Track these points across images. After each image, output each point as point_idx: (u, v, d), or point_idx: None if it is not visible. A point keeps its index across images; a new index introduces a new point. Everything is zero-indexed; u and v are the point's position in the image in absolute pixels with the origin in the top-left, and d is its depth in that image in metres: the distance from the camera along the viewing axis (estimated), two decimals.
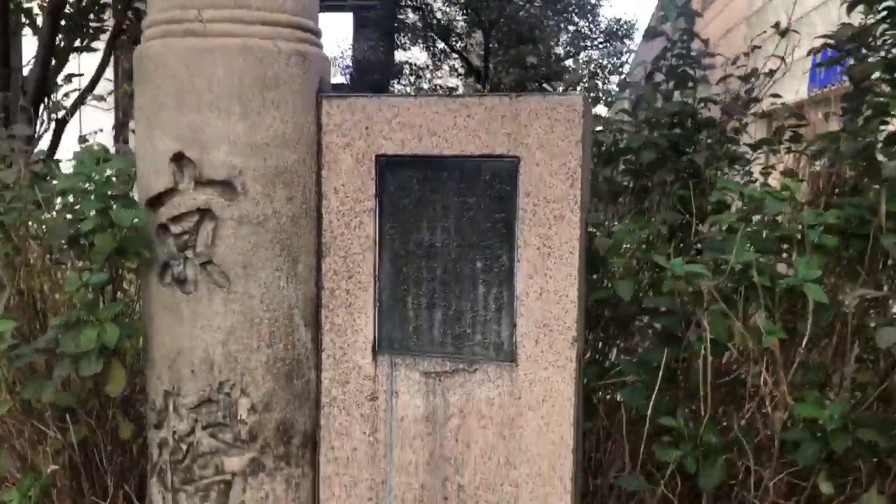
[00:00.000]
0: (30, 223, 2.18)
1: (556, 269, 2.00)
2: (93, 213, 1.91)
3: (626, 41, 18.18)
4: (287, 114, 1.98)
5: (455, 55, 20.12)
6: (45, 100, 4.22)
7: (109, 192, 1.88)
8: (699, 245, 2.34)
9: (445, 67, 20.60)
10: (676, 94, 2.62)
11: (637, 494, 2.29)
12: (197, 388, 2.00)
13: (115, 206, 1.87)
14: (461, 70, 20.05)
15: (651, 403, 2.09)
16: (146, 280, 2.05)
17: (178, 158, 1.95)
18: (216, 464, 2.02)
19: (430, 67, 20.30)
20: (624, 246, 2.36)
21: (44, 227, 2.17)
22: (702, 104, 2.46)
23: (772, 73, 2.42)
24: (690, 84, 2.44)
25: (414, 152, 2.05)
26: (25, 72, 4.82)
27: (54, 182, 1.99)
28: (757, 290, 1.82)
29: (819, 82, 7.33)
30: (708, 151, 2.27)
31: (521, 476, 2.06)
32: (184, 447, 2.03)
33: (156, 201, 2.00)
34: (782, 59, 2.57)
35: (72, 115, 4.44)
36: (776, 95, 2.48)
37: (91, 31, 4.61)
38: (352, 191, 2.10)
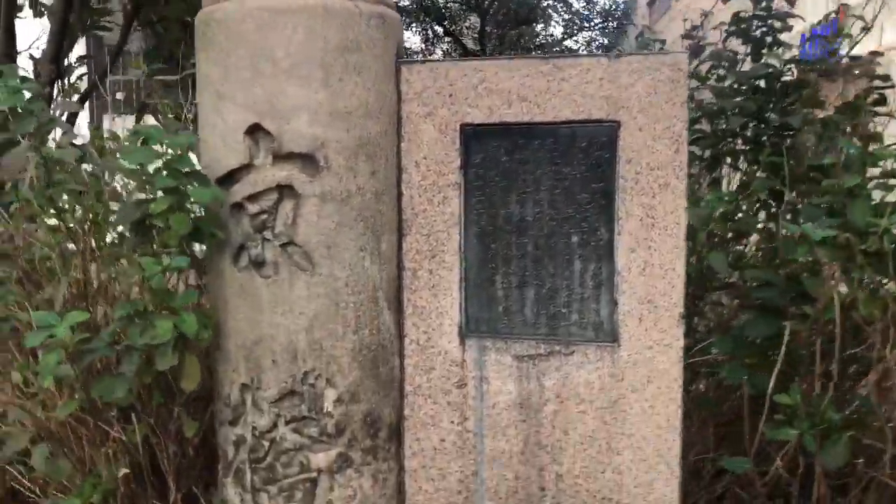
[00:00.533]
0: (82, 207, 2.01)
1: (660, 241, 1.87)
2: (160, 193, 1.76)
3: (625, 21, 18.00)
4: (369, 80, 1.83)
5: (449, 38, 19.91)
6: (59, 82, 4.03)
7: (184, 169, 1.72)
8: (791, 212, 2.21)
9: (439, 51, 20.40)
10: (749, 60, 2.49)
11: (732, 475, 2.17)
12: (279, 380, 1.86)
13: (191, 184, 1.72)
14: (455, 54, 19.83)
15: (751, 380, 1.98)
16: (217, 265, 1.90)
17: (254, 131, 1.80)
18: (301, 461, 1.88)
19: (424, 51, 20.08)
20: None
21: (98, 211, 2.01)
22: (787, 66, 2.33)
23: (866, 28, 2.29)
24: (775, 46, 2.30)
25: (503, 120, 1.91)
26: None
27: (118, 159, 1.82)
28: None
29: None
30: (801, 115, 2.14)
31: (625, 462, 1.94)
32: (265, 444, 1.89)
33: (227, 179, 1.84)
34: (861, 18, 2.44)
35: (87, 97, 4.26)
36: (876, 54, 2.34)
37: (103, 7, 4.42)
38: (434, 164, 1.95)
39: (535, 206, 1.92)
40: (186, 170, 1.72)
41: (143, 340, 1.73)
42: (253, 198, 1.82)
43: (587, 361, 1.93)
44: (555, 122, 1.89)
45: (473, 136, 1.93)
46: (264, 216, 1.82)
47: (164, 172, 1.71)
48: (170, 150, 1.74)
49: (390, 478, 2.00)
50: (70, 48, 4.46)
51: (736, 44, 2.59)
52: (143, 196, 1.79)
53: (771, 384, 1.88)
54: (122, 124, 4.91)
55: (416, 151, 1.96)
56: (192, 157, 1.79)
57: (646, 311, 1.89)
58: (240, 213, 1.84)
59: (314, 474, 1.89)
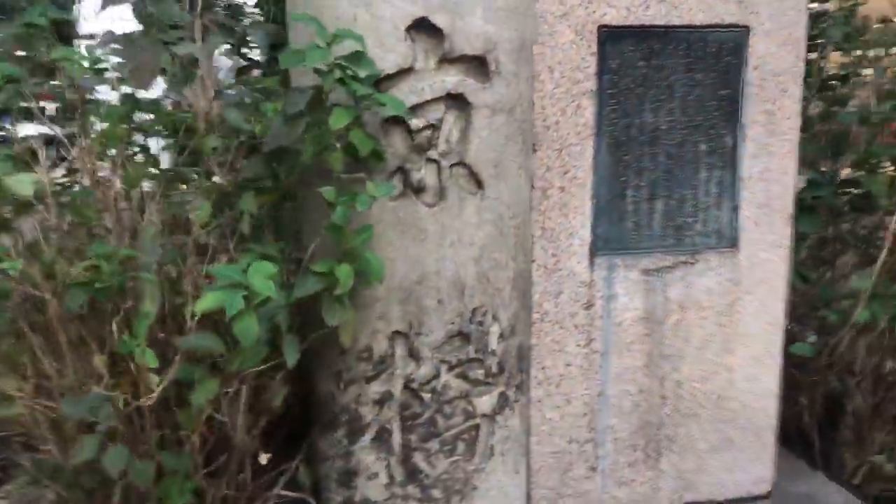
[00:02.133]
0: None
1: (778, 147, 1.93)
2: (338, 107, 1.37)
3: None
4: None
5: None
6: None
7: (360, 73, 1.35)
8: None
9: None
10: None
11: None
12: (444, 321, 1.61)
13: (373, 93, 1.35)
14: None
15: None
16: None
17: (418, 27, 1.48)
18: (465, 408, 1.68)
19: None
20: None
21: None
22: None
23: None
24: None
25: (641, 22, 1.79)
26: None
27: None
28: None
29: None
30: None
31: (737, 361, 2.03)
32: (425, 395, 1.64)
33: (378, 87, 1.50)
34: None
35: None
36: None
37: None
38: (569, 70, 1.78)
39: (668, 115, 1.86)
40: (364, 73, 1.36)
41: (311, 289, 1.38)
42: (415, 109, 1.51)
43: (709, 269, 1.96)
44: (690, 25, 1.82)
45: (610, 40, 1.79)
46: (428, 132, 1.52)
47: (338, 75, 1.33)
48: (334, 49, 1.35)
49: (525, 411, 1.87)
50: None
51: None
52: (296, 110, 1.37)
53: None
54: None
55: (550, 56, 1.76)
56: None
57: (763, 214, 1.96)
58: (394, 130, 1.52)
59: (477, 420, 1.70)
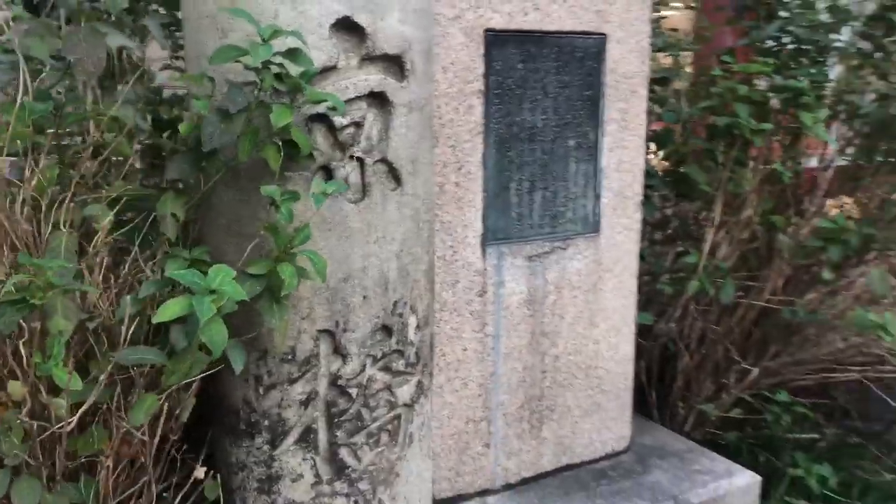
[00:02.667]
0: None
1: (630, 141, 2.20)
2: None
3: None
4: None
5: None
6: None
7: (295, 70, 1.32)
8: None
9: None
10: None
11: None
12: (370, 316, 1.64)
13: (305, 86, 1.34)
14: None
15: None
16: None
17: (341, 26, 1.49)
18: (388, 399, 1.72)
19: None
20: None
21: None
22: None
23: None
24: None
25: (520, 27, 1.94)
26: None
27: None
28: None
29: None
30: None
31: (601, 333, 2.28)
32: (352, 391, 1.66)
33: None
34: None
35: None
36: None
37: None
38: (461, 70, 1.88)
39: (543, 113, 2.04)
40: (301, 70, 1.35)
41: (252, 292, 1.35)
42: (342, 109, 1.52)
43: (578, 252, 2.18)
44: (560, 31, 2.01)
45: (495, 43, 1.92)
46: (351, 129, 1.54)
47: (275, 71, 1.31)
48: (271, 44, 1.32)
49: (431, 397, 1.96)
50: None
51: None
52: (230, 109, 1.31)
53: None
54: None
55: (444, 56, 1.85)
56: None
57: (618, 201, 2.22)
58: (317, 128, 1.52)
59: (399, 410, 1.75)
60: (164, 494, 1.61)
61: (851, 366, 2.60)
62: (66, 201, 1.31)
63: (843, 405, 2.73)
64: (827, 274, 2.38)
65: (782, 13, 2.56)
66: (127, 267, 1.39)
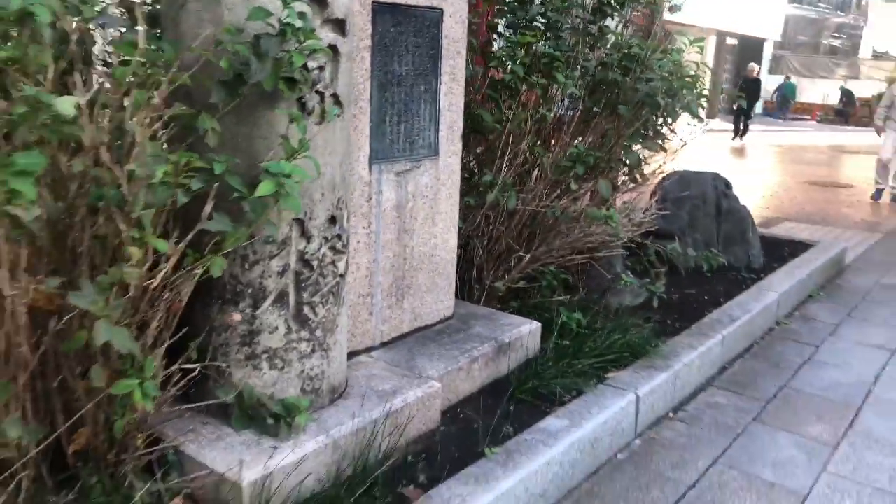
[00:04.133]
0: None
1: (455, 89, 3.05)
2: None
3: None
4: None
5: None
6: None
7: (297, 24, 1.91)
8: None
9: None
10: None
11: None
12: (325, 209, 2.28)
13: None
14: None
15: None
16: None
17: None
18: (333, 271, 2.37)
19: None
20: None
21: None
22: None
23: None
24: None
25: (394, 1, 2.66)
26: None
27: None
28: None
29: None
30: None
31: (439, 230, 3.13)
32: (313, 264, 2.29)
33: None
34: None
35: None
36: None
37: None
38: (358, 31, 2.55)
39: (406, 66, 2.79)
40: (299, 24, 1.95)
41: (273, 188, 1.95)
42: (311, 55, 2.13)
43: (426, 170, 2.99)
44: (417, 6, 2.77)
45: (379, 11, 2.61)
46: (317, 72, 2.16)
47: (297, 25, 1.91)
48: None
49: None
50: None
51: None
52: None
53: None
54: None
55: (351, 21, 2.50)
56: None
57: (449, 133, 3.07)
58: (298, 70, 2.12)
59: (338, 279, 2.42)
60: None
61: (582, 252, 3.80)
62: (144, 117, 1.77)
63: (576, 278, 3.94)
64: (573, 184, 3.50)
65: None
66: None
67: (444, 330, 3.19)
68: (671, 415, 3.25)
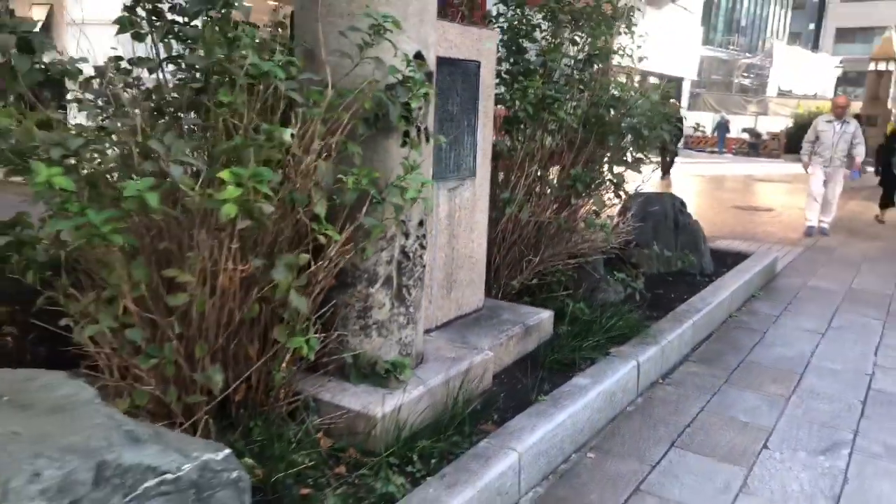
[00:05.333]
0: None
1: (488, 124, 3.85)
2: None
3: None
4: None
5: None
6: None
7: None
8: None
9: None
10: None
11: None
12: (417, 214, 3.02)
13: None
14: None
15: None
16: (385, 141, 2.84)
17: (417, 56, 2.87)
18: (420, 262, 3.10)
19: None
20: None
21: None
22: None
23: None
24: None
25: (447, 56, 3.45)
26: None
27: None
28: None
29: None
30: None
31: (475, 236, 3.89)
32: (410, 255, 3.02)
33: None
34: None
35: None
36: None
37: None
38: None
39: (455, 106, 3.57)
40: (417, 77, 2.70)
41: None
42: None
43: (468, 188, 3.76)
44: (460, 59, 3.56)
45: (440, 64, 3.39)
46: (416, 112, 2.92)
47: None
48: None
49: None
50: None
51: None
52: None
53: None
54: None
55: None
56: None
57: (483, 158, 3.85)
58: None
59: (423, 268, 3.14)
60: None
61: (575, 257, 4.62)
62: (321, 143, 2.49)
63: (570, 277, 4.75)
64: (573, 200, 4.33)
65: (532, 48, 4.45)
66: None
67: (479, 318, 3.93)
68: (661, 381, 4.06)
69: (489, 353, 3.38)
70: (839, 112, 9.16)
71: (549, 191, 4.36)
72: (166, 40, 2.58)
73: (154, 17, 2.59)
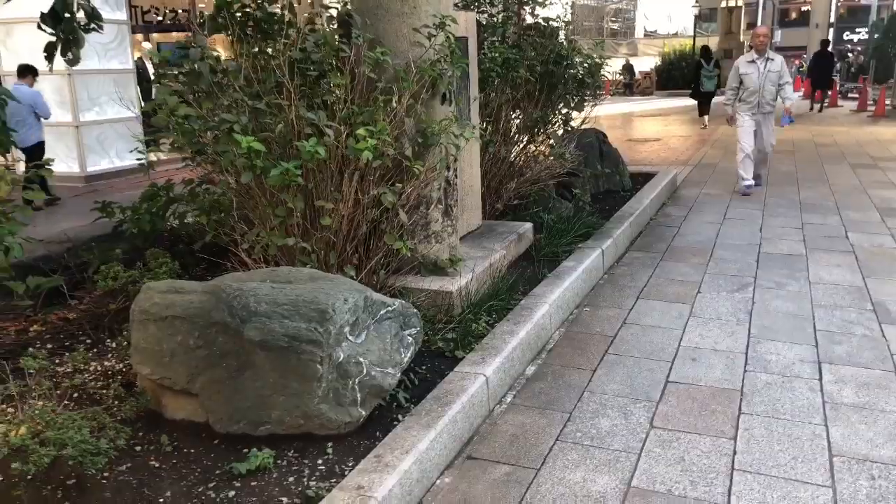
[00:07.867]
0: None
1: (475, 84, 5.06)
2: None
3: None
4: None
5: None
6: None
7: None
8: None
9: None
10: None
11: None
12: (440, 184, 4.24)
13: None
14: None
15: None
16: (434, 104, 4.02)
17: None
18: (455, 188, 4.33)
19: None
20: None
21: None
22: None
23: None
24: None
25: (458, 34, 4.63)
26: None
27: None
28: None
29: None
30: None
31: (474, 171, 5.13)
32: (453, 184, 4.24)
33: None
34: None
35: None
36: None
37: None
38: None
39: (459, 71, 4.77)
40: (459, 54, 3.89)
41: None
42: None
43: (469, 133, 4.99)
44: (462, 36, 4.75)
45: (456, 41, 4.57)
46: (449, 79, 4.11)
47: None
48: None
49: None
50: None
51: None
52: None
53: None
54: None
55: None
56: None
57: (475, 108, 5.07)
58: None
59: (456, 192, 4.37)
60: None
61: (536, 182, 5.95)
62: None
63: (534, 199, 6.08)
64: (536, 135, 5.63)
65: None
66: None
67: (482, 232, 5.20)
68: (616, 264, 5.49)
69: (503, 251, 4.67)
70: (760, 45, 7.70)
71: (516, 132, 5.64)
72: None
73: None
